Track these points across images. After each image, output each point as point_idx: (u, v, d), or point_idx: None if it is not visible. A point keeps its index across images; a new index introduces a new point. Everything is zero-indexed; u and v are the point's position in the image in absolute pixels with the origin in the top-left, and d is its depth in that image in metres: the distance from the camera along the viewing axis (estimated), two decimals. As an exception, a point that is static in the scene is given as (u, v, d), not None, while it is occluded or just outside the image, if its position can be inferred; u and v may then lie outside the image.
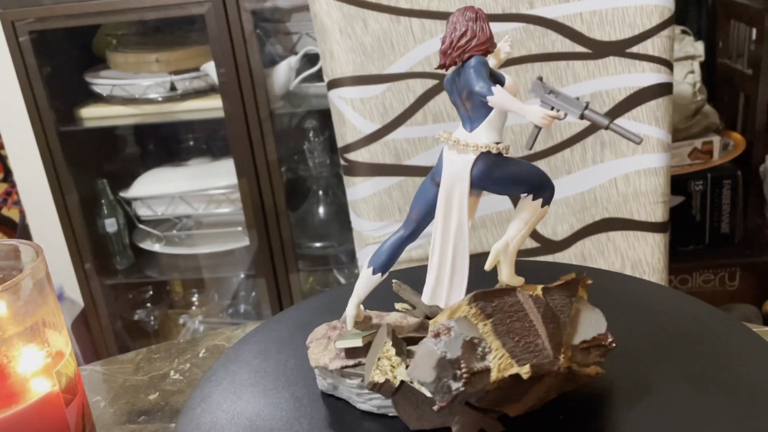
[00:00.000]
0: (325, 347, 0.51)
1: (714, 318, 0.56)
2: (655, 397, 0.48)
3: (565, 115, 0.43)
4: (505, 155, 0.45)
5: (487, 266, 0.48)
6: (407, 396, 0.45)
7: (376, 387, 0.45)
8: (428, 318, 0.53)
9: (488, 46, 0.44)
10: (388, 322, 0.53)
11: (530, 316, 0.46)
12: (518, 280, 0.48)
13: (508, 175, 0.47)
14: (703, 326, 0.55)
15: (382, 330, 0.48)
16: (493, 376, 0.43)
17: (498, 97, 0.43)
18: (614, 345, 0.48)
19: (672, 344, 0.53)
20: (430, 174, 0.47)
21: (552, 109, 0.44)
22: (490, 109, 0.44)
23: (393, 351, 0.46)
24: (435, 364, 0.42)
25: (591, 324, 0.48)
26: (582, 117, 0.43)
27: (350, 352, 0.49)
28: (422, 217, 0.48)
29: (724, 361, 0.51)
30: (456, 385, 0.42)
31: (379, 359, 0.46)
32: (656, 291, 0.64)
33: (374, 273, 0.50)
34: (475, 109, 0.45)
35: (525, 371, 0.43)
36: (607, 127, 0.43)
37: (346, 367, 0.49)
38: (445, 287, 0.48)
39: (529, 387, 0.44)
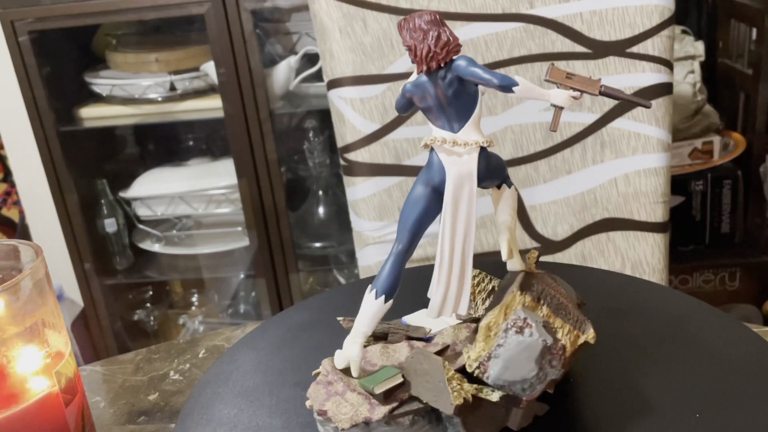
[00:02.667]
0: (349, 403, 0.45)
1: (714, 318, 0.56)
2: (653, 396, 0.48)
3: (582, 94, 0.45)
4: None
5: (507, 257, 0.49)
6: (475, 409, 0.44)
7: (459, 409, 0.43)
8: (412, 338, 0.50)
9: (460, 46, 0.45)
10: (374, 356, 0.49)
11: (553, 291, 0.47)
12: (523, 265, 0.50)
13: (498, 166, 0.48)
14: (703, 326, 0.55)
15: (418, 355, 0.45)
16: (568, 351, 0.43)
17: (523, 86, 0.43)
18: (584, 303, 0.50)
19: (672, 344, 0.53)
20: (421, 181, 0.46)
21: (571, 90, 0.45)
22: (473, 107, 0.45)
23: (452, 369, 0.44)
24: (538, 355, 0.42)
25: (567, 289, 0.50)
26: (600, 93, 0.45)
27: (388, 394, 0.45)
28: (420, 226, 0.47)
29: (724, 362, 0.51)
30: (554, 371, 0.43)
31: (448, 381, 0.43)
32: (656, 291, 0.63)
33: (386, 301, 0.46)
34: (459, 110, 0.45)
35: (591, 336, 0.44)
36: (623, 98, 0.45)
37: (395, 408, 0.45)
38: (453, 296, 0.47)
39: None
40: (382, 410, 0.44)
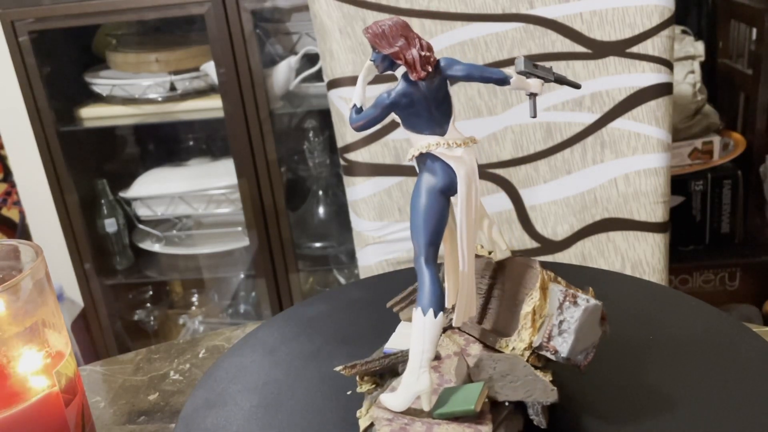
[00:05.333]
0: None
1: (714, 318, 0.56)
2: (654, 396, 0.48)
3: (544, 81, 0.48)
4: None
5: (505, 247, 0.50)
6: None
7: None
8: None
9: None
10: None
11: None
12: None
13: None
14: (703, 326, 0.55)
15: (486, 360, 0.44)
16: None
17: (516, 78, 0.45)
18: None
19: (672, 344, 0.53)
20: (426, 190, 0.44)
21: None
22: (451, 107, 0.45)
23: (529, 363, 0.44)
24: (599, 319, 0.44)
25: None
26: (555, 80, 0.47)
27: (481, 411, 0.43)
28: (440, 235, 0.45)
29: (723, 362, 0.51)
30: (606, 328, 0.45)
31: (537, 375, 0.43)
32: (656, 291, 0.63)
33: (443, 315, 0.44)
34: (443, 112, 0.44)
35: (592, 293, 0.47)
36: (566, 82, 0.47)
37: (495, 418, 0.43)
38: (470, 297, 0.47)
39: None
40: (488, 428, 0.43)
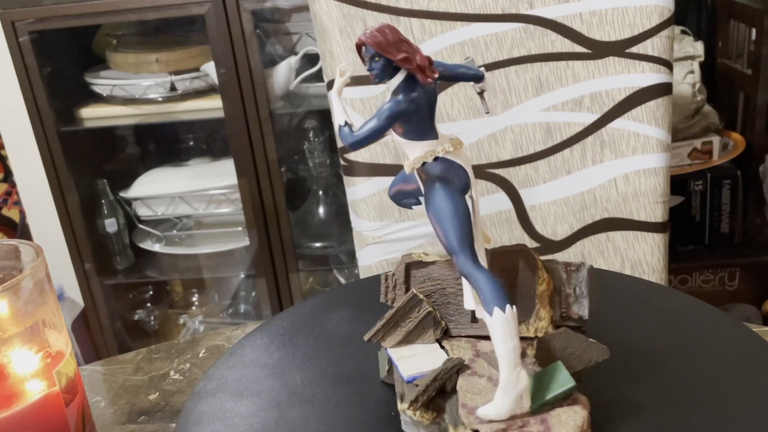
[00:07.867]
0: (567, 417, 0.43)
1: (714, 318, 0.56)
2: (653, 396, 0.48)
3: None
4: None
5: (491, 240, 0.51)
6: None
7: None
8: (460, 371, 0.47)
9: None
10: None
11: None
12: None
13: None
14: (702, 326, 0.55)
15: (543, 342, 0.45)
16: None
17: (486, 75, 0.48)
18: None
19: (671, 344, 0.53)
20: (446, 193, 0.44)
21: None
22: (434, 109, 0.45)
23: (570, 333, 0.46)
24: (596, 278, 0.48)
25: None
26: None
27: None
28: (472, 231, 0.44)
29: (723, 362, 0.51)
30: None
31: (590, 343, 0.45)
32: (656, 291, 0.64)
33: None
34: (433, 114, 0.44)
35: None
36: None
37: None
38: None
39: None
40: (586, 399, 0.44)
